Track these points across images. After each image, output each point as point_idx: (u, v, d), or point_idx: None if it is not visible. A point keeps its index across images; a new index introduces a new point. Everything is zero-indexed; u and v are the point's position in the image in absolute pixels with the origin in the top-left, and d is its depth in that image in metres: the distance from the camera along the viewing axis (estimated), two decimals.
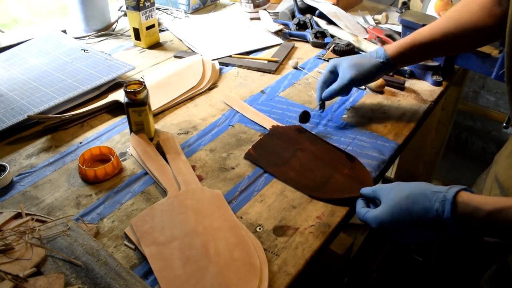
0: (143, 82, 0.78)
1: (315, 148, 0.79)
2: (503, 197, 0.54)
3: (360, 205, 0.66)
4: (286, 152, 0.78)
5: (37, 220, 0.63)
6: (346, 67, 0.84)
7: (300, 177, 0.73)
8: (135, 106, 0.78)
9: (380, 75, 0.87)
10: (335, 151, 0.79)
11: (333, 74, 0.86)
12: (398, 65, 0.84)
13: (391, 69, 0.85)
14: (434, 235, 0.58)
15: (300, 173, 0.74)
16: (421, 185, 0.59)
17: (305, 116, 0.85)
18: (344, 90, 0.85)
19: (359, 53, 1.14)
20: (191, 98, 0.97)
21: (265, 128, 0.86)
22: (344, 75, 0.83)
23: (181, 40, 1.23)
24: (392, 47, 0.83)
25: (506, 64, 0.61)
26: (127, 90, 0.76)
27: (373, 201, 0.67)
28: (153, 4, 1.15)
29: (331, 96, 0.86)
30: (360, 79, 0.83)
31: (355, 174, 0.73)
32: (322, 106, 0.88)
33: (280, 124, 0.86)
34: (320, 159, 0.76)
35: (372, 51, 0.85)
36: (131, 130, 0.82)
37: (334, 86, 0.85)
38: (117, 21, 1.29)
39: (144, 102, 0.78)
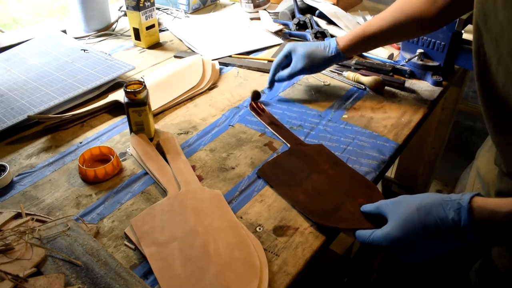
0: (143, 82, 0.78)
1: (334, 172, 0.74)
2: None
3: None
4: (301, 172, 0.74)
5: (37, 220, 0.63)
6: (300, 56, 0.91)
7: (309, 201, 0.68)
8: (135, 106, 0.78)
9: (330, 66, 0.96)
10: (356, 177, 0.74)
11: (287, 59, 0.94)
12: (348, 56, 0.91)
13: (341, 60, 0.93)
14: (451, 247, 0.55)
15: (310, 197, 0.69)
16: (431, 195, 0.56)
17: (257, 95, 0.93)
18: (295, 76, 0.94)
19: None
20: (191, 98, 0.97)
21: (277, 135, 0.86)
22: (296, 64, 0.91)
23: (181, 40, 1.23)
24: (344, 40, 0.90)
25: (474, 60, 0.61)
26: (127, 90, 0.76)
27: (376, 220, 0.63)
28: (153, 4, 1.15)
29: (282, 80, 0.95)
30: (310, 70, 0.93)
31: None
32: (271, 86, 0.97)
33: (303, 142, 0.82)
34: (335, 184, 0.72)
35: (326, 42, 0.92)
36: (131, 130, 0.82)
37: (286, 72, 0.93)
38: (117, 21, 1.29)
39: (144, 102, 0.78)
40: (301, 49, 0.91)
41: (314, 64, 0.91)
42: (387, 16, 0.86)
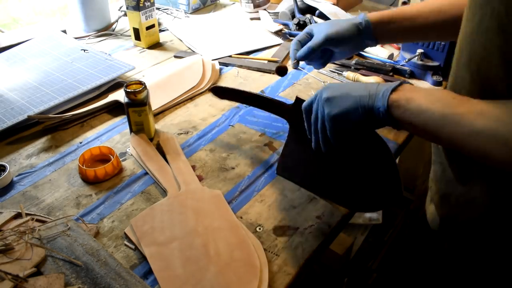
0: (143, 82, 0.78)
1: None
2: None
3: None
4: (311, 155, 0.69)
5: (37, 220, 0.63)
6: (322, 27, 0.78)
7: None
8: (135, 106, 0.78)
9: (360, 43, 0.78)
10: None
11: (309, 36, 0.80)
12: (379, 35, 0.76)
13: (370, 38, 0.76)
14: (363, 117, 0.57)
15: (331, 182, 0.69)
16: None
17: (281, 71, 0.81)
18: (318, 49, 0.77)
19: (359, 53, 1.14)
20: (191, 98, 0.97)
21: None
22: (319, 33, 0.77)
23: (181, 40, 1.23)
24: (374, 13, 0.76)
25: (464, 50, 0.55)
26: (127, 90, 0.76)
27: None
28: (153, 4, 1.15)
29: (306, 55, 0.78)
30: (336, 39, 0.76)
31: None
32: (296, 64, 0.81)
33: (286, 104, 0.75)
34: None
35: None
36: (131, 130, 0.82)
37: (309, 44, 0.77)
38: (117, 21, 1.29)
39: (144, 102, 0.78)
40: (324, 23, 0.78)
41: (339, 32, 0.75)
42: (428, 2, 0.73)
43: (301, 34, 0.81)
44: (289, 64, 0.87)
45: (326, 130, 0.61)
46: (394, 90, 0.54)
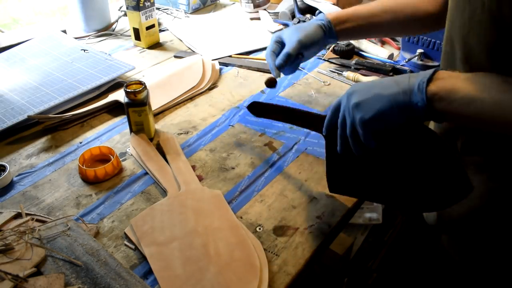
0: (143, 82, 0.78)
1: None
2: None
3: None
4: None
5: (37, 220, 0.63)
6: (291, 33, 0.81)
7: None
8: (135, 106, 0.78)
9: (324, 42, 0.83)
10: None
11: (280, 44, 0.83)
12: (340, 34, 0.81)
13: (333, 37, 0.82)
14: (397, 112, 0.52)
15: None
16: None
17: (271, 83, 0.82)
18: (295, 53, 0.79)
19: (359, 53, 1.14)
20: (191, 98, 0.97)
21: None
22: (291, 39, 0.80)
23: (181, 40, 1.23)
24: (333, 14, 0.82)
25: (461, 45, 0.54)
26: (127, 90, 0.76)
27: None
28: (153, 4, 1.15)
29: (284, 62, 0.80)
30: (308, 42, 0.80)
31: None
32: (279, 74, 0.82)
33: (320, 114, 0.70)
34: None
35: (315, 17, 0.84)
36: (131, 130, 0.82)
37: (286, 50, 0.80)
38: (117, 21, 1.29)
39: (144, 102, 0.78)
40: (289, 29, 0.83)
41: (308, 36, 0.79)
42: (381, 1, 0.79)
43: (272, 44, 0.84)
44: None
45: (357, 136, 0.57)
46: (430, 80, 0.50)
